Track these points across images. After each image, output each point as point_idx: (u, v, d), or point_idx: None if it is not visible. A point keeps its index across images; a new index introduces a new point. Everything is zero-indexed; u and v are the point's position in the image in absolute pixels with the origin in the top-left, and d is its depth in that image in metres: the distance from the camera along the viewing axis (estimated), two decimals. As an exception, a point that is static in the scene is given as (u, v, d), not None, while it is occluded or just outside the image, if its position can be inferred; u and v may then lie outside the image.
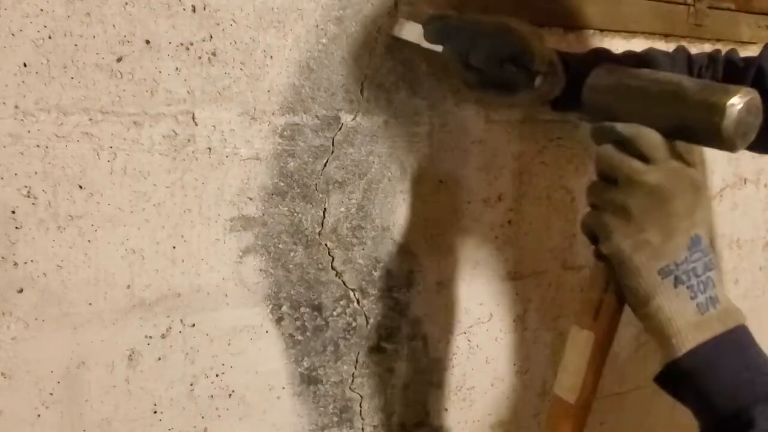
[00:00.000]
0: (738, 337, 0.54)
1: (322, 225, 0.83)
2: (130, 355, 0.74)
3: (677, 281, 0.54)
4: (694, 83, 0.56)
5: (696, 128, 0.55)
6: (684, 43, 1.12)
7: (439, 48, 0.77)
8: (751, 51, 1.16)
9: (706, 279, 0.55)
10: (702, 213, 0.56)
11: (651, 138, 0.56)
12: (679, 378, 0.55)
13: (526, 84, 0.75)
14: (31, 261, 0.68)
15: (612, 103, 0.60)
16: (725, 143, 0.55)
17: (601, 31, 1.02)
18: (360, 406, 0.89)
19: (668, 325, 0.54)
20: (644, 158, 0.56)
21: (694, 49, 1.12)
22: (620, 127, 0.57)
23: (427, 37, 0.77)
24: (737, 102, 0.53)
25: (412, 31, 0.81)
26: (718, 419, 0.54)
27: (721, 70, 0.83)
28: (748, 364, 0.54)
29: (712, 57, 0.86)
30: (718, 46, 1.15)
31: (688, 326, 0.54)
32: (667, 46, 1.09)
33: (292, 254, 0.81)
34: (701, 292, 0.54)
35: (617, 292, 0.59)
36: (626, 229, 0.55)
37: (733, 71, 0.83)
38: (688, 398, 0.56)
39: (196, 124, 0.74)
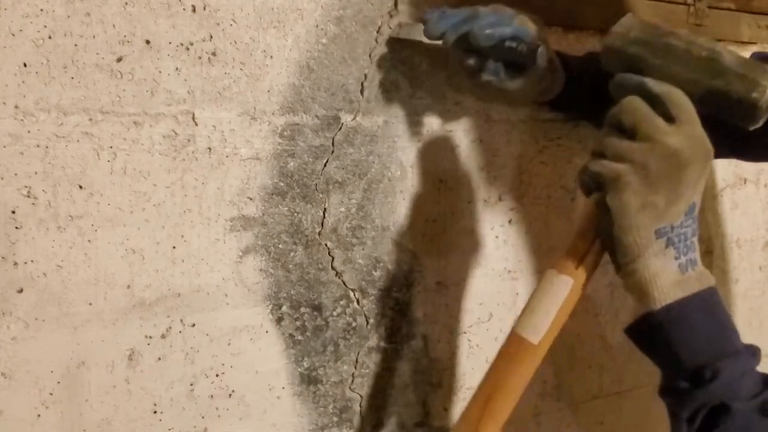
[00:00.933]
0: (710, 297, 0.58)
1: (322, 225, 0.83)
2: (130, 355, 0.74)
3: (669, 242, 0.56)
4: (733, 56, 0.56)
5: (728, 98, 0.56)
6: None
7: (439, 41, 0.77)
8: (751, 51, 1.16)
9: (690, 243, 0.57)
10: (702, 184, 0.58)
11: (681, 100, 0.56)
12: (651, 329, 0.58)
13: (529, 58, 0.75)
14: (31, 261, 0.68)
15: (641, 56, 0.59)
16: (753, 118, 0.56)
17: (601, 31, 1.02)
18: (360, 406, 0.89)
19: (652, 280, 0.57)
20: (669, 119, 0.56)
21: (694, 49, 1.13)
22: (651, 83, 0.57)
23: (428, 30, 0.77)
24: None
25: (412, 30, 0.81)
26: (684, 371, 0.57)
27: None
28: (717, 322, 0.57)
29: None
30: (718, 46, 1.15)
31: (670, 283, 0.57)
32: (667, 46, 1.09)
33: (292, 254, 0.81)
34: (684, 254, 0.57)
35: (603, 244, 0.60)
36: (640, 187, 0.56)
37: None
38: (656, 349, 0.59)
39: (196, 124, 0.74)
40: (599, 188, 0.58)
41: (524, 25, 0.75)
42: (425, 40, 0.78)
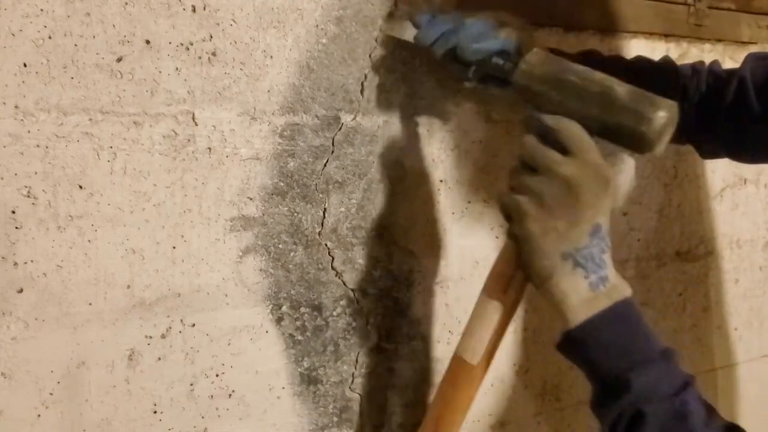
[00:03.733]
0: (621, 310, 0.61)
1: (322, 225, 0.83)
2: (130, 355, 0.74)
3: (575, 264, 0.60)
4: (624, 89, 0.61)
5: (620, 131, 0.61)
6: (684, 43, 1.12)
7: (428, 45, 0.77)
8: (751, 51, 1.16)
9: (600, 261, 0.61)
10: (606, 204, 0.61)
11: (572, 132, 0.61)
12: (571, 347, 0.62)
13: (509, 75, 0.75)
14: (31, 261, 0.68)
15: (544, 93, 0.64)
16: (644, 148, 0.61)
17: (602, 31, 1.02)
18: (360, 406, 0.89)
19: (563, 300, 0.60)
20: (564, 150, 0.61)
21: (694, 49, 1.13)
22: (545, 117, 0.63)
23: (418, 37, 0.77)
24: (663, 115, 0.59)
25: (402, 29, 0.81)
26: (603, 383, 0.61)
27: (704, 81, 0.84)
28: (628, 335, 0.61)
29: (695, 68, 0.86)
30: (718, 46, 1.15)
31: (580, 302, 0.60)
32: (667, 46, 1.09)
33: (292, 254, 0.81)
34: (593, 273, 0.60)
35: (524, 271, 0.64)
36: (538, 214, 0.61)
37: (716, 82, 0.83)
38: (580, 365, 0.62)
39: (196, 124, 0.74)
40: (508, 219, 0.64)
41: (510, 36, 0.75)
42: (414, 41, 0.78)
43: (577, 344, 0.61)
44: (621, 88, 0.61)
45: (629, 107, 0.60)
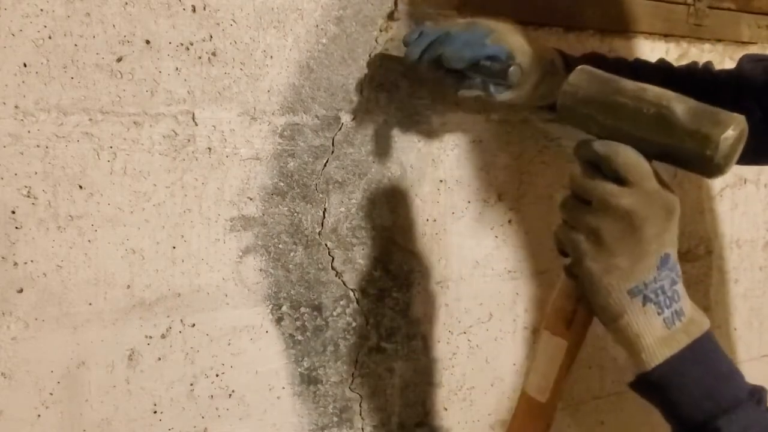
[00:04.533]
0: (702, 348, 0.56)
1: (322, 225, 0.83)
2: (130, 355, 0.74)
3: (645, 300, 0.55)
4: (684, 108, 0.54)
5: (683, 155, 0.54)
6: (684, 43, 1.12)
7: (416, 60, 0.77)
8: (751, 51, 1.16)
9: (672, 293, 0.56)
10: (672, 234, 0.56)
11: (629, 159, 0.55)
12: (648, 389, 0.57)
13: (501, 77, 0.74)
14: (31, 261, 0.68)
15: (592, 116, 0.58)
16: (713, 173, 0.54)
17: (602, 31, 1.02)
18: (360, 406, 0.89)
19: (637, 341, 0.55)
20: (620, 179, 0.55)
21: (694, 49, 1.13)
22: (598, 145, 0.56)
23: (407, 54, 0.77)
24: (730, 135, 0.53)
25: (399, 47, 0.80)
26: (688, 428, 0.55)
27: (699, 82, 0.83)
28: (712, 375, 0.55)
29: (691, 69, 0.86)
30: (718, 46, 1.15)
31: (656, 341, 0.55)
32: (667, 46, 1.09)
33: (292, 254, 0.81)
34: (667, 307, 0.55)
35: (587, 307, 0.59)
36: (596, 253, 0.55)
37: (710, 84, 0.82)
38: (659, 407, 0.57)
39: (196, 124, 0.74)
40: (564, 255, 0.59)
41: (498, 43, 0.74)
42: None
43: (655, 387, 0.56)
44: (680, 106, 0.54)
45: (691, 129, 0.53)
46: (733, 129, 0.53)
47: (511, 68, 0.74)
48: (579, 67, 0.60)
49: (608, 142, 0.56)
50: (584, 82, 0.59)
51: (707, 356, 0.56)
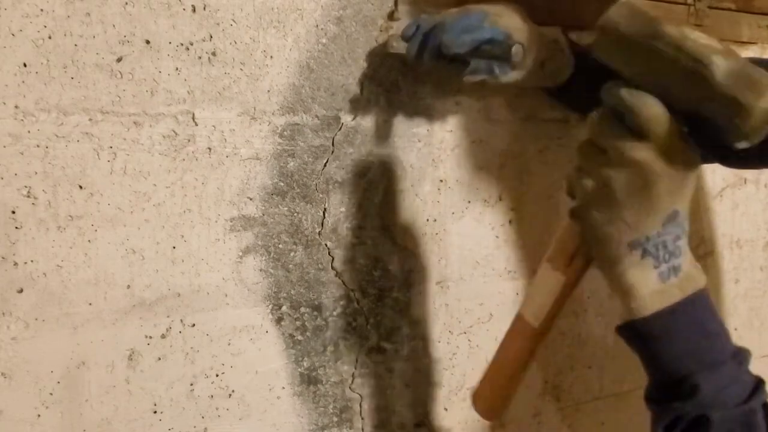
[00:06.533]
0: (694, 304, 0.56)
1: (322, 225, 0.83)
2: (130, 355, 0.74)
3: (645, 253, 0.55)
4: (725, 68, 0.50)
5: (712, 120, 0.52)
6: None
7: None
8: (751, 51, 1.16)
9: (674, 248, 0.55)
10: (686, 191, 0.55)
11: (653, 114, 0.52)
12: (635, 337, 0.57)
13: (505, 57, 0.74)
14: (31, 261, 0.68)
15: (626, 59, 0.55)
16: (742, 140, 0.51)
17: (601, 31, 1.02)
18: (360, 406, 0.89)
19: (630, 290, 0.55)
20: (641, 132, 0.53)
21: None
22: (624, 93, 0.53)
23: (407, 51, 0.77)
24: (765, 105, 0.49)
25: (402, 45, 0.80)
26: (667, 380, 0.56)
27: None
28: (699, 332, 0.55)
29: None
30: (718, 46, 1.15)
31: (649, 293, 0.55)
32: (667, 46, 1.09)
33: (292, 254, 0.81)
34: (665, 262, 0.55)
35: (587, 251, 0.60)
36: (603, 203, 0.55)
37: None
38: (641, 356, 0.58)
39: (196, 124, 0.74)
40: (572, 197, 0.58)
41: (496, 24, 0.73)
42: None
43: (641, 336, 0.56)
44: (721, 66, 0.50)
45: (726, 92, 0.50)
46: None
47: (514, 47, 0.74)
48: (619, 1, 0.56)
49: (635, 92, 0.53)
50: (624, 18, 0.55)
51: (697, 314, 0.56)
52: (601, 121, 0.55)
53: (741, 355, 0.56)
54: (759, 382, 0.56)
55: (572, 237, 0.61)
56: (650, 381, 0.58)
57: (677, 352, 0.55)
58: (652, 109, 0.52)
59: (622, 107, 0.53)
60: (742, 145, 0.52)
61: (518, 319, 0.67)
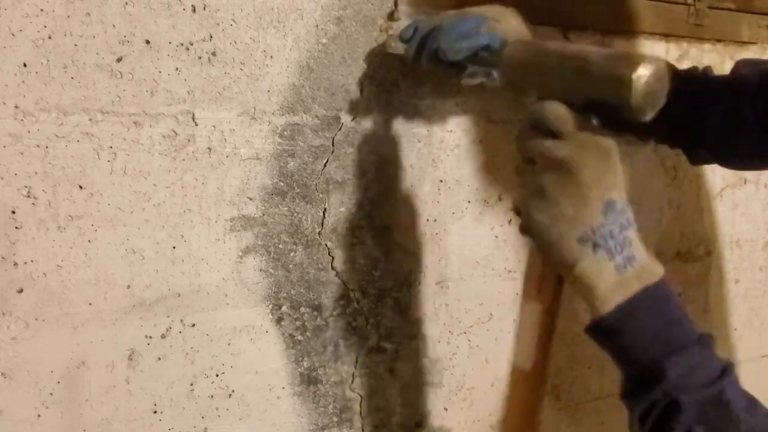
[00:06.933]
0: (653, 294, 0.57)
1: (322, 225, 0.83)
2: (130, 355, 0.74)
3: (595, 246, 0.56)
4: (599, 55, 0.57)
5: (606, 102, 0.57)
6: (684, 43, 1.12)
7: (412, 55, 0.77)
8: (751, 51, 1.16)
9: (623, 239, 0.57)
10: (612, 177, 0.58)
11: (555, 113, 0.58)
12: (601, 334, 0.59)
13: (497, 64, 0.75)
14: (31, 261, 0.68)
15: (526, 79, 0.63)
16: (636, 114, 0.56)
17: (602, 31, 1.02)
18: (360, 406, 0.89)
19: (591, 288, 0.57)
20: (553, 133, 0.58)
21: (694, 49, 1.13)
22: (531, 107, 0.60)
23: (405, 54, 0.77)
24: (643, 73, 0.54)
25: (401, 46, 0.80)
26: (636, 371, 0.57)
27: (695, 86, 0.82)
28: (662, 320, 0.57)
29: (689, 74, 0.85)
30: (718, 46, 1.15)
31: (609, 287, 0.57)
32: (667, 46, 1.09)
33: (292, 254, 0.81)
34: (618, 253, 0.57)
35: (549, 265, 0.62)
36: (542, 204, 0.58)
37: (708, 89, 0.82)
38: (610, 352, 0.59)
39: (196, 124, 0.74)
40: (519, 215, 0.62)
41: (492, 30, 0.73)
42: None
43: (607, 332, 0.58)
44: (596, 56, 0.57)
45: (605, 73, 0.56)
46: (644, 67, 0.55)
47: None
48: (514, 40, 0.66)
49: (541, 102, 0.59)
50: (518, 52, 0.64)
51: (658, 303, 0.57)
52: (524, 136, 0.60)
53: (705, 339, 0.58)
54: (727, 364, 0.57)
55: (536, 261, 0.64)
56: (623, 377, 0.59)
57: (642, 341, 0.57)
58: (555, 109, 0.58)
59: (532, 117, 0.59)
60: (644, 117, 0.56)
61: (513, 372, 0.67)
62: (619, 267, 0.57)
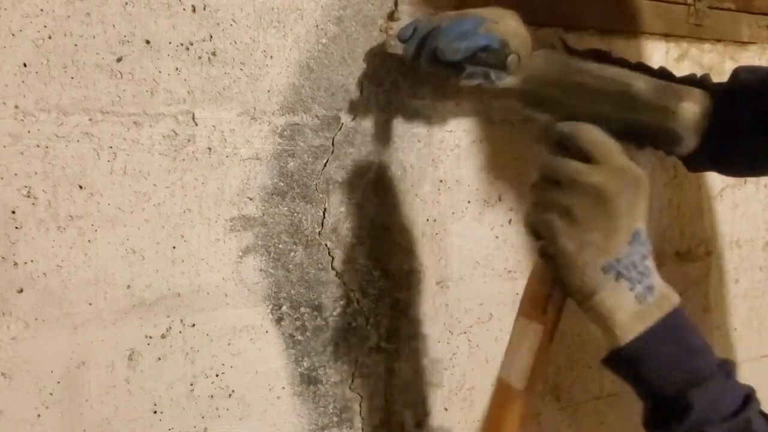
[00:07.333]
0: (673, 323, 0.57)
1: (322, 225, 0.83)
2: (130, 355, 0.74)
3: (618, 276, 0.56)
4: (644, 84, 0.56)
5: (647, 130, 0.56)
6: (684, 43, 1.12)
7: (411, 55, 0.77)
8: (751, 51, 1.16)
9: (643, 269, 0.57)
10: (642, 207, 0.57)
11: (592, 136, 0.56)
12: (621, 364, 0.58)
13: (499, 66, 0.74)
14: (31, 261, 0.68)
15: (556, 97, 0.60)
16: (678, 145, 0.56)
17: (601, 31, 1.02)
18: (360, 406, 0.89)
19: (610, 317, 0.56)
20: (587, 158, 0.56)
21: (694, 49, 1.13)
22: (562, 125, 0.58)
23: (404, 54, 0.77)
24: (690, 106, 0.54)
25: (400, 45, 0.80)
26: (659, 402, 0.57)
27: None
28: (683, 349, 0.57)
29: (689, 81, 0.85)
30: (718, 46, 1.15)
31: (629, 317, 0.56)
32: (667, 46, 1.09)
33: (292, 254, 0.81)
34: (639, 283, 0.56)
35: (561, 289, 0.60)
36: (570, 230, 0.56)
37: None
38: (631, 382, 0.59)
39: (196, 124, 0.74)
40: (539, 237, 0.60)
41: (491, 31, 0.73)
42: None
43: (627, 362, 0.57)
44: (640, 84, 0.56)
45: (653, 104, 0.55)
46: (692, 101, 0.55)
47: (510, 57, 0.73)
48: (536, 51, 0.62)
49: (572, 123, 0.57)
50: (543, 65, 0.61)
51: (678, 331, 0.57)
52: (548, 157, 0.59)
53: (726, 367, 0.57)
54: (749, 391, 0.57)
55: (543, 282, 0.62)
56: (645, 407, 0.59)
57: (664, 371, 0.56)
58: (591, 133, 0.57)
59: (563, 137, 0.57)
60: (683, 150, 0.56)
61: (501, 385, 0.66)
62: (639, 296, 0.56)
